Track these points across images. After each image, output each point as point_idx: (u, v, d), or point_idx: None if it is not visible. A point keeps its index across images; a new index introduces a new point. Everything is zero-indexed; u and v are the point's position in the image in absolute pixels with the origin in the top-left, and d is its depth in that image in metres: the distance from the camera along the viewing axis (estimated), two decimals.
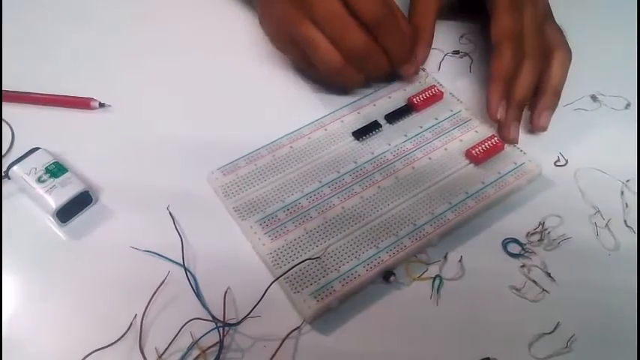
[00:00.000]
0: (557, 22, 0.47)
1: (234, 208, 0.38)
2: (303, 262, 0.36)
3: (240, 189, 0.39)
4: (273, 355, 0.33)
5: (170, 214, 0.38)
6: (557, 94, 0.44)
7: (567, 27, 0.47)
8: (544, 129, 0.44)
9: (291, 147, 0.42)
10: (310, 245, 0.37)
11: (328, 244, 0.37)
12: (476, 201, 0.39)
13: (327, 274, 0.36)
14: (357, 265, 0.36)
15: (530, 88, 0.43)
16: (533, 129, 0.44)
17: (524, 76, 0.43)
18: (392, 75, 0.46)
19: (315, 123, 0.43)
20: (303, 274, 0.36)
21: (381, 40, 0.42)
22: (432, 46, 0.48)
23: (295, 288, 0.35)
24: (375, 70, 0.44)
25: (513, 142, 0.42)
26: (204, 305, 0.35)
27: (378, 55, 0.43)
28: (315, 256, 0.36)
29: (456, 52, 0.50)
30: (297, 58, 0.45)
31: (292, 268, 0.35)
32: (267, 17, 0.46)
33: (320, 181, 0.40)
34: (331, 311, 0.35)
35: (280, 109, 0.45)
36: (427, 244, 0.38)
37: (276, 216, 0.38)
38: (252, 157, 0.41)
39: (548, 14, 0.46)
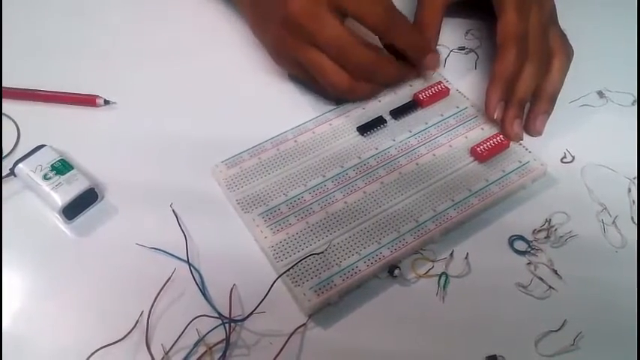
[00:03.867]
0: (565, 17, 0.46)
1: (237, 200, 0.39)
2: (307, 256, 0.36)
3: (244, 182, 0.40)
4: (279, 352, 0.33)
5: (174, 212, 0.38)
6: (553, 100, 0.44)
7: (574, 22, 0.47)
8: (539, 133, 0.44)
9: (295, 141, 0.42)
10: (312, 239, 0.37)
11: (330, 238, 0.37)
12: (479, 199, 0.39)
13: (328, 269, 0.36)
14: (358, 261, 0.36)
15: (531, 89, 0.43)
16: (529, 133, 0.44)
17: (525, 77, 0.43)
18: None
19: (320, 117, 0.43)
20: (304, 268, 0.36)
21: (396, 42, 0.43)
22: (438, 43, 0.48)
23: (296, 281, 0.35)
24: (385, 80, 0.44)
25: (517, 137, 0.42)
26: (209, 302, 0.35)
27: (385, 66, 0.43)
28: (319, 251, 0.36)
29: (462, 49, 0.50)
30: (302, 75, 0.45)
31: (297, 262, 0.35)
32: (262, 39, 0.46)
33: (323, 176, 0.40)
34: (337, 307, 0.35)
35: (285, 103, 0.45)
36: (429, 241, 0.38)
37: (279, 209, 0.38)
38: (257, 151, 0.41)
39: (553, 17, 0.46)
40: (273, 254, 0.36)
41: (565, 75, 0.45)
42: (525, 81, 0.43)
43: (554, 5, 0.46)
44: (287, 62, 0.44)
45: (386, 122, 0.43)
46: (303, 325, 0.34)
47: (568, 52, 0.45)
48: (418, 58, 0.44)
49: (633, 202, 0.40)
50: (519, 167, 0.41)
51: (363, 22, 0.41)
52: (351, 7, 0.40)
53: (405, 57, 0.44)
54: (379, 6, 0.41)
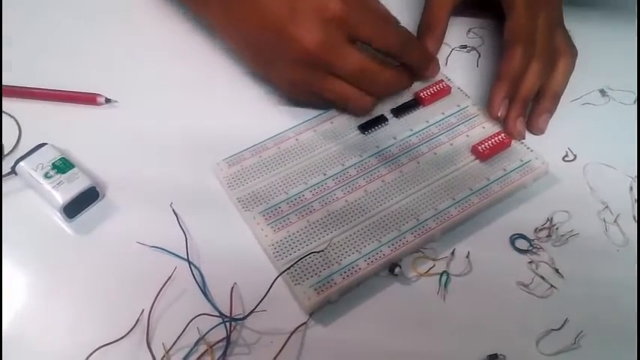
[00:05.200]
0: (567, 16, 0.46)
1: (238, 199, 0.39)
2: (307, 255, 0.36)
3: (245, 180, 0.40)
4: (280, 351, 0.33)
5: (173, 211, 0.38)
6: (556, 99, 0.44)
7: (577, 20, 0.47)
8: (542, 132, 0.44)
9: (296, 139, 0.42)
10: (312, 237, 0.37)
11: (330, 237, 0.37)
12: (480, 197, 0.39)
13: (329, 267, 0.36)
14: (358, 259, 0.36)
15: (535, 88, 0.43)
16: (531, 131, 0.44)
17: (530, 76, 0.43)
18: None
19: (322, 116, 0.43)
20: (304, 266, 0.36)
21: (407, 60, 0.43)
22: None
23: (296, 280, 0.35)
24: (401, 90, 0.44)
25: (520, 136, 0.42)
26: (210, 300, 0.35)
27: (404, 80, 0.43)
28: (319, 249, 0.36)
29: (464, 47, 0.50)
30: (316, 101, 0.44)
31: (298, 261, 0.35)
32: (268, 77, 0.44)
33: (324, 174, 0.40)
34: (337, 305, 0.35)
35: (286, 101, 0.45)
36: (429, 240, 0.38)
37: (280, 207, 0.38)
38: (258, 149, 0.41)
39: (560, 18, 0.46)
40: (274, 252, 0.36)
41: (569, 76, 0.45)
42: (530, 79, 0.43)
43: (562, 7, 0.46)
44: (303, 95, 0.43)
45: (387, 120, 0.43)
46: (304, 323, 0.34)
47: (573, 54, 0.45)
48: (423, 70, 0.45)
49: (635, 200, 0.40)
50: (521, 166, 0.41)
51: (377, 48, 0.41)
52: (366, 36, 0.40)
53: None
54: (393, 33, 0.41)
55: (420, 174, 0.40)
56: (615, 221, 0.39)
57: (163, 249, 0.37)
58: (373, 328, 0.35)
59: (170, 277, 0.36)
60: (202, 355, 0.33)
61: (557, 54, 0.44)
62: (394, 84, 0.43)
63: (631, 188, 0.41)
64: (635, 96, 0.46)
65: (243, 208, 0.38)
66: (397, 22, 0.42)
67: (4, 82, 0.45)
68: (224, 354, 0.33)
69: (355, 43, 0.40)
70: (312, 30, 0.38)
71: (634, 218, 0.39)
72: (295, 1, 0.39)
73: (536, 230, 0.39)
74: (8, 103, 0.44)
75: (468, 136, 0.43)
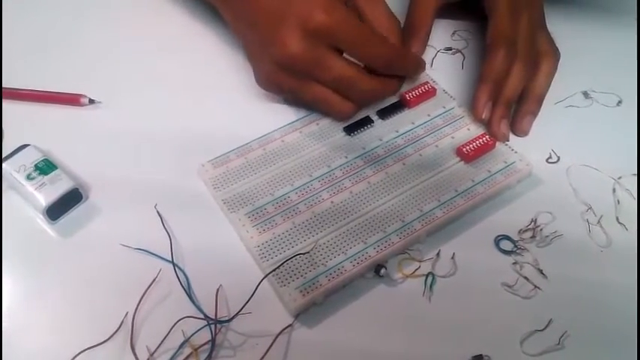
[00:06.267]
0: (550, 19, 0.47)
1: (223, 200, 0.39)
2: (293, 256, 0.36)
3: (230, 182, 0.39)
4: (265, 353, 0.33)
5: (158, 212, 0.38)
6: (539, 101, 0.45)
7: (560, 23, 0.47)
8: (525, 133, 0.44)
9: (282, 141, 0.42)
10: (298, 239, 0.37)
11: (316, 238, 0.37)
12: (465, 199, 0.39)
13: (314, 269, 0.35)
14: (344, 260, 0.36)
15: (518, 89, 0.44)
16: (515, 132, 0.44)
17: (513, 78, 0.43)
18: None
19: (307, 117, 0.43)
20: (290, 268, 0.36)
21: (396, 72, 0.43)
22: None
23: (282, 282, 0.35)
24: (386, 97, 0.44)
25: (504, 138, 0.42)
26: (195, 303, 0.35)
27: (389, 89, 0.43)
28: (305, 251, 0.36)
29: (449, 49, 0.50)
30: (292, 100, 0.44)
31: (283, 263, 0.35)
32: (252, 63, 0.44)
33: (310, 175, 0.40)
34: (323, 307, 0.35)
35: (272, 103, 0.45)
36: (415, 241, 0.38)
37: (265, 209, 0.38)
38: (243, 151, 0.41)
39: (542, 21, 0.46)
40: (259, 254, 0.36)
41: (552, 77, 0.45)
42: (513, 81, 0.43)
43: (543, 9, 0.46)
44: (281, 94, 0.44)
45: (373, 122, 0.43)
46: (290, 325, 0.34)
47: (556, 55, 0.46)
48: (411, 76, 0.45)
49: (618, 201, 0.41)
50: (505, 167, 0.41)
51: (361, 62, 0.41)
52: (348, 49, 0.40)
53: None
54: (376, 51, 0.40)
55: (405, 175, 0.40)
56: (598, 222, 0.40)
57: (148, 251, 0.37)
58: (359, 330, 0.35)
59: (154, 280, 0.35)
60: (187, 357, 0.33)
61: (540, 56, 0.45)
62: (376, 93, 0.43)
63: (614, 190, 0.41)
64: (617, 98, 0.47)
65: (228, 209, 0.38)
66: (383, 39, 0.41)
67: None
68: (209, 357, 0.33)
69: (339, 52, 0.40)
70: (295, 38, 0.38)
71: (617, 220, 0.40)
72: (286, 7, 0.39)
73: (520, 231, 0.39)
74: None
75: (453, 137, 0.43)
